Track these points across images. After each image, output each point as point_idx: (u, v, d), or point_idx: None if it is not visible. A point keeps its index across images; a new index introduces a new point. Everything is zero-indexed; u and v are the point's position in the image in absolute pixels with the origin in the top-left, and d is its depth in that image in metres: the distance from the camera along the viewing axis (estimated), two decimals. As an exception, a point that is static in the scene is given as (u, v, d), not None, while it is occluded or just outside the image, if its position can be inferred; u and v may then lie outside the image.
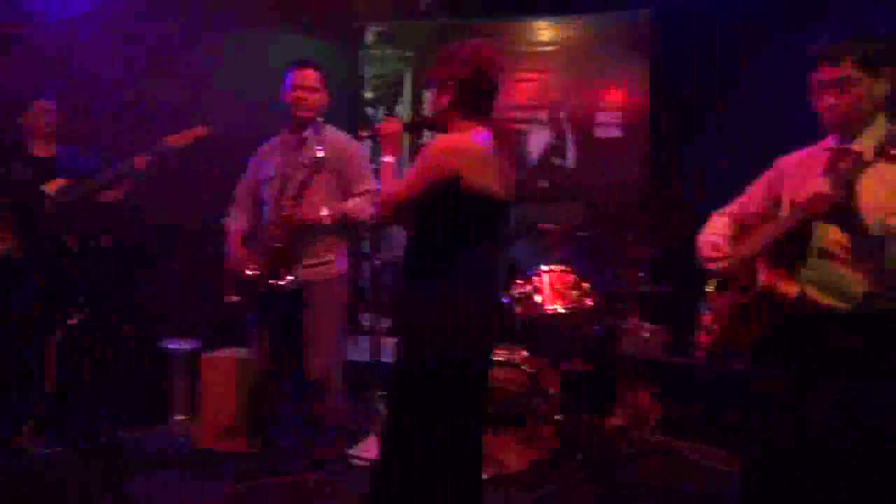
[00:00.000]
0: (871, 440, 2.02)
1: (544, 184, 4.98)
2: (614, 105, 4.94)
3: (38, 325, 3.11)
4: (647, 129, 4.86)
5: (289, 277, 3.07)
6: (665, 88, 4.80)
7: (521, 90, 5.11)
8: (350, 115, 5.27)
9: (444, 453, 2.30)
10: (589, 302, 3.76)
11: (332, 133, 3.32)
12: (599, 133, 4.96)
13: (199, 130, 3.58)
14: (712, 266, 2.30)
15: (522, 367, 3.61)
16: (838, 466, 2.04)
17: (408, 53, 5.23)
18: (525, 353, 3.75)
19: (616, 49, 4.91)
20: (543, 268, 3.83)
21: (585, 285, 3.81)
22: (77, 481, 2.78)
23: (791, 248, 2.04)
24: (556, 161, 5.04)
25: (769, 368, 2.15)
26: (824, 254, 2.07)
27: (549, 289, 3.76)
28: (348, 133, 3.41)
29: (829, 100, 2.09)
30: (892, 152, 1.76)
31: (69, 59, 4.23)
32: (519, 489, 3.37)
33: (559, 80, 5.04)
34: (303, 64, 3.32)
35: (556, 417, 3.64)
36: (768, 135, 3.93)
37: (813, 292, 2.07)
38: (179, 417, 4.40)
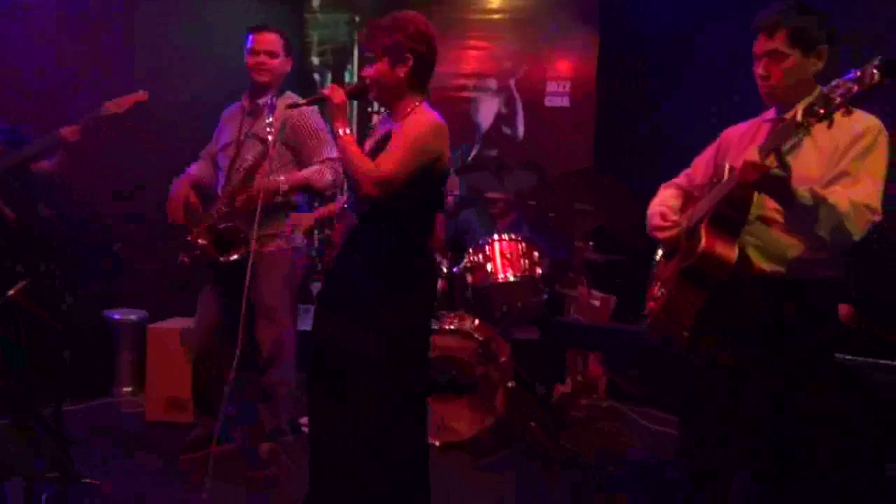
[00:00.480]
0: (803, 405, 2.11)
1: (493, 153, 4.99)
2: (563, 75, 4.96)
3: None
4: (594, 99, 4.90)
5: (233, 257, 3.01)
6: (613, 58, 4.84)
7: (470, 58, 5.09)
8: (297, 82, 5.17)
9: (393, 424, 2.32)
10: (539, 270, 3.80)
11: (292, 100, 3.23)
12: (549, 102, 4.98)
13: (138, 96, 3.48)
14: (660, 235, 2.34)
15: (474, 335, 3.64)
16: (771, 433, 2.12)
17: (356, 18, 5.15)
18: (476, 322, 3.79)
19: (565, 18, 4.92)
20: (494, 237, 3.85)
21: (535, 254, 3.84)
22: (21, 454, 2.70)
23: (733, 215, 2.08)
24: (506, 130, 5.05)
25: (711, 336, 2.20)
26: (764, 220, 2.13)
27: (500, 257, 3.78)
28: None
29: (761, 70, 2.15)
30: (820, 111, 1.79)
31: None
32: (468, 456, 3.43)
33: (509, 49, 5.04)
34: (261, 28, 3.23)
35: (508, 385, 3.69)
36: (717, 105, 4.01)
37: (755, 257, 2.13)
38: (127, 389, 4.34)
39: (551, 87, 4.98)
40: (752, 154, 1.93)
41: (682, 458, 2.37)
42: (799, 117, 1.84)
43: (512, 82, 5.02)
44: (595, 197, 3.86)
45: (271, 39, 3.22)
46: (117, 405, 4.17)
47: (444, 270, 3.83)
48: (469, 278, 3.83)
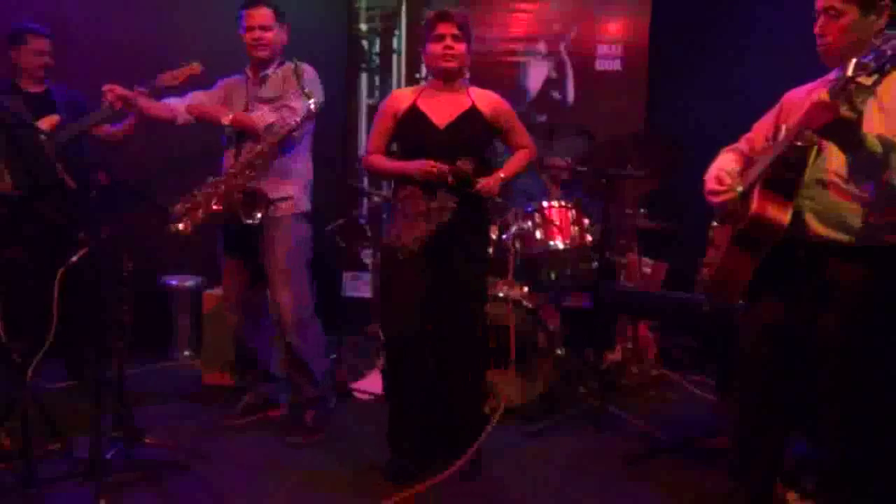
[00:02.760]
0: (866, 372, 2.06)
1: (542, 118, 4.93)
2: (614, 37, 4.86)
3: (40, 263, 3.10)
4: (646, 62, 4.79)
5: (258, 215, 3.06)
6: (666, 18, 4.72)
7: (519, 22, 5.01)
8: (345, 50, 5.18)
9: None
10: (589, 238, 3.77)
11: (305, 68, 3.20)
12: (600, 66, 4.89)
13: (193, 69, 3.51)
14: (714, 199, 2.29)
15: (523, 303, 3.64)
16: (835, 398, 2.08)
17: (404, -17, 5.10)
18: (525, 289, 3.78)
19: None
20: (544, 203, 3.82)
21: (586, 221, 3.80)
22: (86, 413, 2.82)
23: (787, 176, 2.02)
24: (556, 95, 4.97)
25: (766, 300, 2.16)
26: (822, 183, 2.06)
27: (550, 224, 3.76)
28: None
29: (817, 28, 2.09)
30: (871, 64, 1.71)
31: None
32: (518, 423, 3.45)
33: (559, 12, 4.94)
34: (252, 3, 3.24)
35: (557, 352, 3.69)
36: (778, 66, 3.88)
37: (813, 222, 2.07)
38: (186, 353, 4.47)
39: (602, 50, 4.87)
40: (822, 95, 1.84)
41: (731, 424, 2.34)
42: (850, 72, 1.76)
43: (562, 46, 4.93)
44: (648, 162, 3.78)
45: (264, 14, 3.25)
46: (177, 368, 4.31)
47: (493, 237, 3.82)
48: (518, 245, 3.82)
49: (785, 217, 2.01)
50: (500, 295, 3.67)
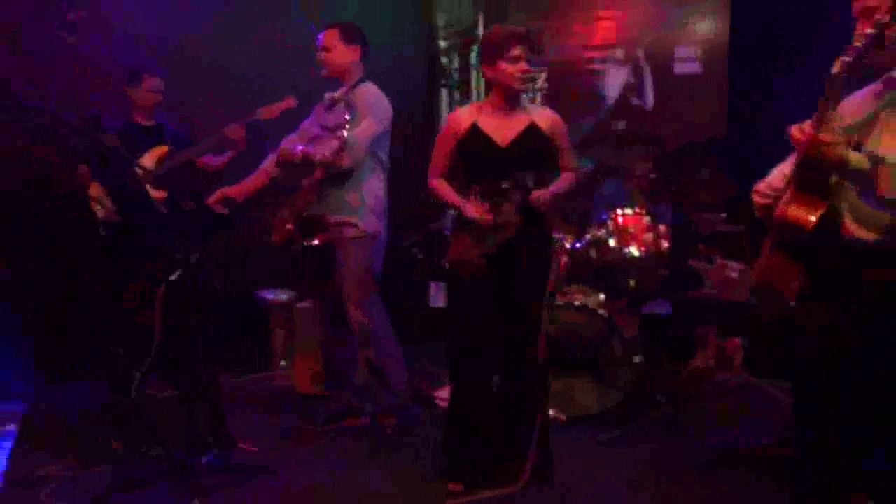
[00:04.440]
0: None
1: (621, 125, 4.91)
2: (693, 39, 4.78)
3: (141, 281, 3.39)
4: (727, 63, 4.69)
5: (315, 242, 3.25)
6: (746, 19, 4.60)
7: (598, 30, 5.01)
8: (426, 68, 5.34)
9: None
10: (665, 244, 3.75)
11: (360, 94, 3.38)
12: (678, 69, 4.83)
13: (288, 103, 3.73)
14: (757, 202, 2.29)
15: (598, 311, 3.66)
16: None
17: (480, -1, 5.23)
18: (602, 297, 3.80)
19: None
20: (618, 211, 3.83)
21: (662, 228, 3.79)
22: (183, 421, 3.06)
23: (814, 177, 2.00)
24: (635, 101, 4.95)
25: (817, 302, 2.13)
26: (842, 185, 2.04)
27: (624, 232, 3.76)
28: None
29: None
30: (847, 59, 1.85)
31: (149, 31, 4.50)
32: (593, 430, 3.47)
33: (636, 16, 4.91)
34: (325, 26, 3.44)
35: (635, 360, 3.68)
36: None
37: (849, 221, 2.04)
38: (283, 364, 4.72)
39: (680, 52, 4.81)
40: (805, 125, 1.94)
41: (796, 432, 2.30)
42: (835, 69, 1.87)
43: (640, 51, 4.90)
44: (726, 166, 3.73)
45: (326, 35, 3.41)
46: (273, 378, 4.56)
47: (568, 246, 3.86)
48: (593, 253, 3.84)
49: (810, 217, 1.98)
50: (577, 304, 3.72)
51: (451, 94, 5.34)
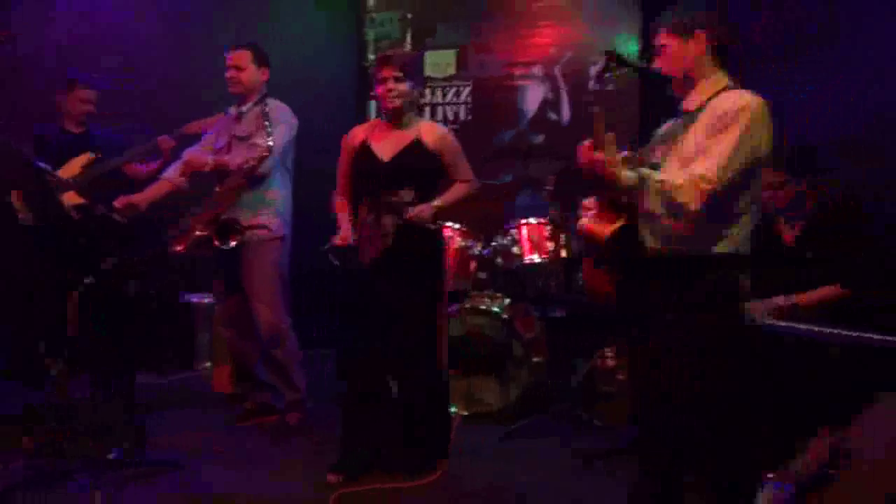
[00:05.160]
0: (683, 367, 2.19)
1: (539, 138, 5.15)
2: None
3: (58, 283, 3.50)
4: (639, 82, 4.94)
5: (233, 243, 3.38)
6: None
7: (519, 48, 5.27)
8: (356, 80, 5.54)
9: None
10: (563, 252, 3.96)
11: (272, 107, 3.56)
12: (593, 87, 5.07)
13: (220, 118, 3.86)
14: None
15: (501, 314, 3.87)
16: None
17: (408, 15, 5.43)
18: (507, 301, 4.02)
19: (607, 2, 5.01)
20: (522, 221, 4.05)
21: (562, 236, 4.01)
22: (100, 420, 3.20)
23: (608, 195, 2.20)
24: (552, 116, 5.20)
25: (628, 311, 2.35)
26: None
27: (527, 241, 3.98)
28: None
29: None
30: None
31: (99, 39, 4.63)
32: (492, 425, 3.68)
33: (554, 37, 5.17)
34: (234, 46, 3.63)
35: (535, 360, 3.90)
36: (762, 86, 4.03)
37: (647, 236, 2.22)
38: (205, 365, 4.86)
39: (595, 70, 5.05)
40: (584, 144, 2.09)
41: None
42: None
43: (557, 69, 5.16)
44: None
45: (238, 55, 3.60)
46: (194, 379, 4.70)
47: (476, 252, 4.07)
48: (499, 260, 4.05)
49: (604, 230, 2.19)
50: (482, 307, 3.93)
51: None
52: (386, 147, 3.07)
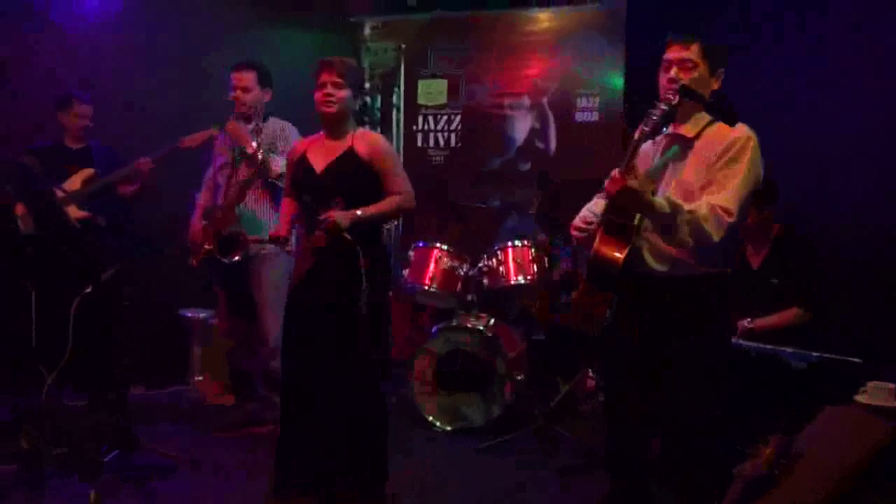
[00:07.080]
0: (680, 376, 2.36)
1: (527, 166, 5.34)
2: (593, 90, 5.26)
3: (58, 292, 3.62)
4: (623, 113, 5.16)
5: (235, 257, 3.50)
6: (640, 74, 5.07)
7: (508, 79, 5.47)
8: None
9: None
10: (550, 275, 4.13)
11: (272, 124, 3.74)
12: (579, 117, 5.29)
13: (211, 132, 4.00)
14: (577, 235, 2.55)
15: (485, 333, 4.02)
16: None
17: (402, 45, 5.64)
18: (492, 321, 4.17)
19: (593, 36, 5.23)
20: (508, 244, 4.21)
21: (546, 259, 4.17)
22: (91, 427, 3.31)
23: (619, 220, 2.30)
24: (539, 144, 5.39)
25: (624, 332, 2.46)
26: (644, 226, 2.34)
27: (512, 263, 4.14)
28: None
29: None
30: (646, 129, 2.20)
31: (95, 60, 4.79)
32: (474, 439, 3.82)
33: (543, 69, 5.38)
34: (238, 65, 3.76)
35: (517, 378, 4.05)
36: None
37: (648, 258, 2.37)
38: (199, 378, 4.97)
39: (581, 102, 5.28)
40: (615, 171, 2.23)
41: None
42: (636, 134, 2.24)
43: (545, 100, 5.37)
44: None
45: (244, 76, 3.74)
46: (188, 391, 4.80)
47: (462, 273, 4.22)
48: (485, 281, 4.21)
49: (619, 254, 2.28)
50: (467, 325, 4.08)
51: (373, 130, 5.72)
52: (319, 158, 2.97)
